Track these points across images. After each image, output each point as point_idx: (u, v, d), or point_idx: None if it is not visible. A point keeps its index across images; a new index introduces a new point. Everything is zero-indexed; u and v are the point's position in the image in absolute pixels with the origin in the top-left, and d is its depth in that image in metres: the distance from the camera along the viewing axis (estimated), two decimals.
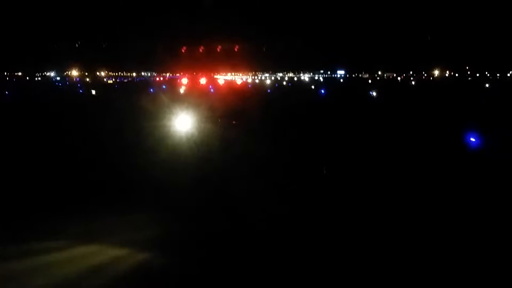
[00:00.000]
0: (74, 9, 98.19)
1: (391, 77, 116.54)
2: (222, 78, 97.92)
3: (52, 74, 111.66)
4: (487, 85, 69.64)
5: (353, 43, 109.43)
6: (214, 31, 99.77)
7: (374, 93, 54.33)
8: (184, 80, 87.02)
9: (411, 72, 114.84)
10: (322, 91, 60.02)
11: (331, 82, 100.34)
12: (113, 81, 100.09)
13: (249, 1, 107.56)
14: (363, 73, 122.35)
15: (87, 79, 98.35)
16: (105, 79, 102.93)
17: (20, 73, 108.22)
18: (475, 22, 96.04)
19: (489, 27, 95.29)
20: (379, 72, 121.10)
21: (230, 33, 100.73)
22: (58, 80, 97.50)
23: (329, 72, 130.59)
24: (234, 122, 27.93)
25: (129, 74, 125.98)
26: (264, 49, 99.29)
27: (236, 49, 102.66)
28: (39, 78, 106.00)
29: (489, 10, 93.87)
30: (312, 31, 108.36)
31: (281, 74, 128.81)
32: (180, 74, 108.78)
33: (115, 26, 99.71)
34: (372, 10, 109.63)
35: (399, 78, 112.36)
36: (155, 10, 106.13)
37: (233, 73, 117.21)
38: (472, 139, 20.40)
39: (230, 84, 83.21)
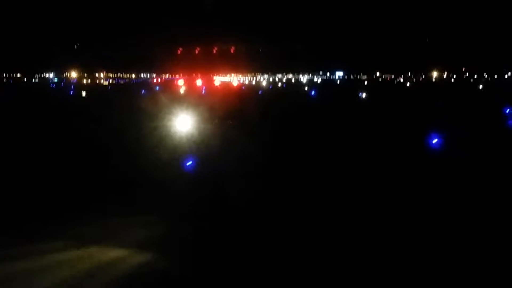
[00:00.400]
0: (73, 10, 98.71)
1: (389, 78, 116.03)
2: (218, 80, 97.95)
3: (51, 75, 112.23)
4: (480, 87, 69.26)
5: (353, 44, 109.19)
6: (212, 32, 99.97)
7: (364, 95, 54.19)
8: (180, 82, 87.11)
9: (409, 74, 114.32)
10: (312, 92, 60.04)
11: (326, 83, 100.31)
12: (108, 82, 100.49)
13: (248, 2, 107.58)
14: (361, 74, 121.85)
15: (84, 81, 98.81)
16: (102, 81, 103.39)
17: (19, 74, 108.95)
18: (474, 24, 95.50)
19: (487, 29, 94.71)
20: (377, 74, 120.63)
21: (228, 34, 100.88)
22: (54, 82, 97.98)
23: (328, 74, 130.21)
24: (230, 122, 28.09)
25: (128, 75, 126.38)
26: (260, 50, 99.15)
27: (235, 51, 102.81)
28: (36, 80, 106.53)
29: (487, 11, 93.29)
30: (312, 32, 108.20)
31: (280, 76, 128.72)
32: (178, 75, 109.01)
33: (114, 28, 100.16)
34: (371, 12, 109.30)
35: (395, 80, 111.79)
36: (153, 12, 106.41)
37: (231, 75, 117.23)
38: (435, 140, 20.31)
39: (224, 85, 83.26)
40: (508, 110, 31.14)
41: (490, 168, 15.92)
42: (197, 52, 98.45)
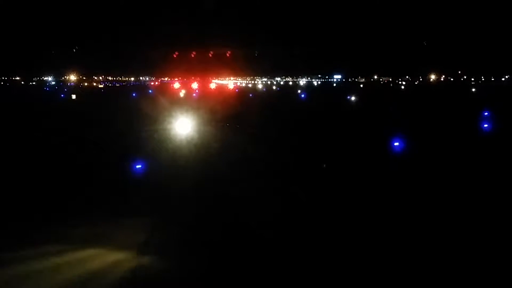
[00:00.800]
0: (71, 12, 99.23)
1: (386, 81, 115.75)
2: (214, 83, 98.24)
3: (50, 78, 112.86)
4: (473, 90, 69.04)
5: (351, 47, 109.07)
6: (209, 36, 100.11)
7: (353, 98, 54.11)
8: (176, 85, 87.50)
9: (407, 77, 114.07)
10: (302, 95, 60.13)
11: (321, 86, 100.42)
12: (104, 85, 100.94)
13: (247, 6, 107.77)
14: (359, 77, 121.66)
15: (77, 83, 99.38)
16: (98, 84, 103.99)
17: (18, 78, 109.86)
18: (472, 27, 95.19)
19: (485, 32, 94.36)
20: (375, 77, 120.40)
21: (227, 38, 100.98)
22: (49, 85, 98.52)
23: (327, 77, 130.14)
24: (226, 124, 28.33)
25: (127, 78, 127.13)
26: (256, 54, 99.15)
27: (233, 54, 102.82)
28: (34, 83, 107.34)
29: (486, 14, 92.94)
30: (310, 35, 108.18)
31: (278, 79, 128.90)
32: (176, 79, 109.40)
33: (112, 31, 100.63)
34: (370, 15, 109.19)
35: (391, 83, 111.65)
36: (152, 15, 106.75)
37: (229, 78, 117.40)
38: (397, 143, 20.15)
39: (219, 88, 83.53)
40: (487, 113, 30.96)
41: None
42: (198, 56, 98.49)
